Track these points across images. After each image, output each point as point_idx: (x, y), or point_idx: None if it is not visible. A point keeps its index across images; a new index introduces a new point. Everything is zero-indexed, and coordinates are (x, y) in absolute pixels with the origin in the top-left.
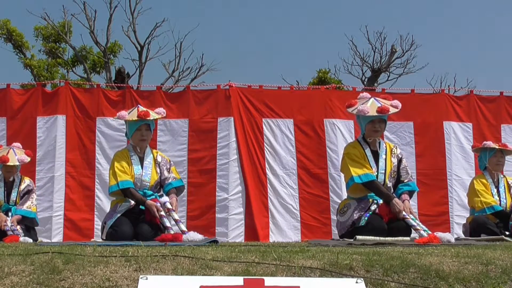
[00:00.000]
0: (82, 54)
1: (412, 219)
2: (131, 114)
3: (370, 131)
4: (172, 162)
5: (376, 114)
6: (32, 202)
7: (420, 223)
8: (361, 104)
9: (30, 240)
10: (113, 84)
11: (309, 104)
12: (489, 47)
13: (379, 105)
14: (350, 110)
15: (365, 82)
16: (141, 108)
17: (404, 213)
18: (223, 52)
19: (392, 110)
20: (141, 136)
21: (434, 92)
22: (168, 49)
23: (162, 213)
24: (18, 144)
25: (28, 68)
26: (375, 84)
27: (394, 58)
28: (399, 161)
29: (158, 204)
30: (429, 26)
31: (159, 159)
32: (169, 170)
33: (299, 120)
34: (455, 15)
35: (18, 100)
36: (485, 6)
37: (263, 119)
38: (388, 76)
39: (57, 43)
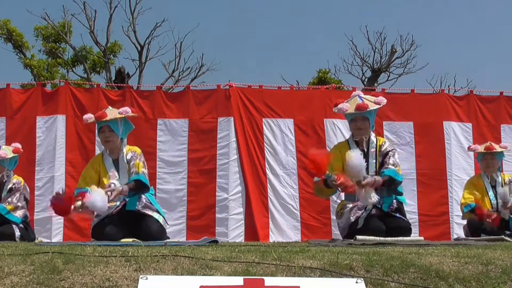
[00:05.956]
0: (82, 54)
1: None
2: (93, 116)
3: (354, 129)
4: (139, 156)
5: (354, 111)
6: (12, 200)
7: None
8: (342, 104)
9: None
10: (113, 84)
11: (309, 104)
12: (489, 47)
13: (360, 102)
14: (333, 109)
15: (365, 82)
16: (106, 109)
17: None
18: (223, 52)
19: (372, 107)
20: (105, 138)
21: (434, 92)
22: (168, 49)
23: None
24: (16, 144)
25: (28, 68)
26: (375, 84)
27: (394, 58)
28: (384, 156)
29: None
30: (429, 26)
31: (129, 156)
32: (133, 164)
33: (299, 120)
34: (455, 15)
35: (17, 100)
36: (485, 6)
37: (263, 119)
38: (388, 76)
39: (57, 43)
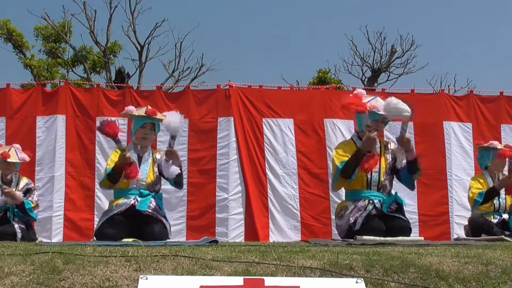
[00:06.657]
0: (82, 54)
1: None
2: (140, 110)
3: (372, 129)
4: None
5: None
6: (33, 198)
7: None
8: (370, 100)
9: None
10: (113, 84)
11: (309, 104)
12: (489, 47)
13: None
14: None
15: (365, 82)
16: (151, 108)
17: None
18: (223, 52)
19: None
20: (144, 134)
21: (434, 92)
22: (168, 49)
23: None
24: (17, 146)
25: (28, 68)
26: (375, 84)
27: (394, 58)
28: (393, 152)
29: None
30: (429, 26)
31: (158, 157)
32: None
33: (299, 120)
34: (455, 15)
35: (17, 100)
36: (485, 6)
37: (263, 119)
38: (388, 76)
39: (57, 43)
